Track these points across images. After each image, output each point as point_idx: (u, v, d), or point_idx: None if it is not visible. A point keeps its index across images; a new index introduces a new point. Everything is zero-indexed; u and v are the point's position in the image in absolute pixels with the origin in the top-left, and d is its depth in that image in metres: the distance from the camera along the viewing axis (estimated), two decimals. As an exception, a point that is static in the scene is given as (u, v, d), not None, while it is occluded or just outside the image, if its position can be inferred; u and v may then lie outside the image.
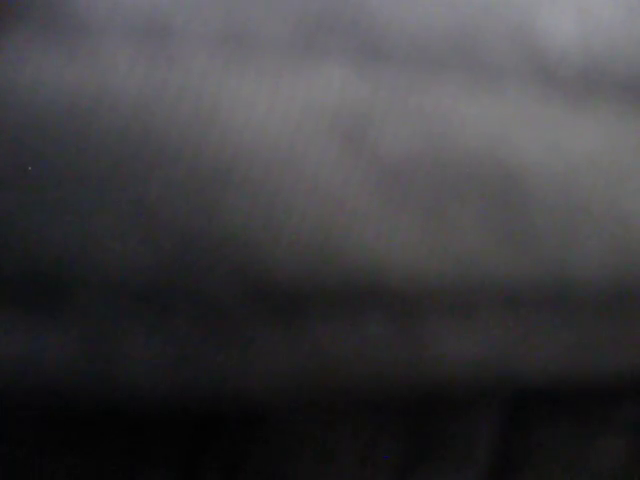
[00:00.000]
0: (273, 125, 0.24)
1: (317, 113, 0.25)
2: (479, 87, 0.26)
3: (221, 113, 0.24)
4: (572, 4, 0.27)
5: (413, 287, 0.26)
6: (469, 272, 0.26)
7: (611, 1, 0.28)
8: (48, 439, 0.29)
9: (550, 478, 0.34)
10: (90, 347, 0.24)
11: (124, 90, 0.24)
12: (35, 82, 0.23)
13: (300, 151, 0.25)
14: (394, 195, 0.25)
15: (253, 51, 0.24)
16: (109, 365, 0.25)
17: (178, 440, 0.30)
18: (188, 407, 0.27)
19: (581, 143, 0.27)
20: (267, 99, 0.24)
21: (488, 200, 0.26)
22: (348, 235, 0.25)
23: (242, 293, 0.25)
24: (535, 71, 0.27)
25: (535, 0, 0.27)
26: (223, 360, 0.25)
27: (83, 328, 0.24)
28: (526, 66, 0.26)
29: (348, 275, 0.25)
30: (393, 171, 0.25)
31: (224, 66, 0.24)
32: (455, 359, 0.27)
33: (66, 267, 0.24)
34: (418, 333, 0.26)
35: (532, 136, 0.26)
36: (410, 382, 0.27)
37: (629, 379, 0.30)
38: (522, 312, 0.27)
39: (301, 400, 0.28)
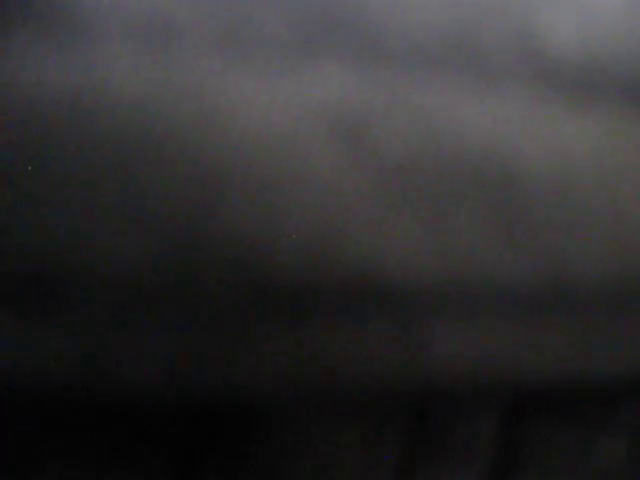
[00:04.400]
0: (273, 124, 0.24)
1: (317, 113, 0.25)
2: (479, 87, 0.26)
3: (221, 113, 0.24)
4: (572, 4, 0.28)
5: (413, 287, 0.26)
6: (469, 272, 0.26)
7: (611, 1, 0.28)
8: (48, 438, 0.29)
9: (550, 478, 0.34)
10: (90, 347, 0.24)
11: (125, 90, 0.24)
12: (36, 82, 0.23)
13: (300, 151, 0.25)
14: (394, 195, 0.25)
15: (253, 51, 0.24)
16: (109, 364, 0.25)
17: (178, 439, 0.30)
18: (188, 406, 0.27)
19: (581, 143, 0.27)
20: (267, 99, 0.24)
21: (488, 200, 0.26)
22: (348, 235, 0.25)
23: (242, 293, 0.25)
24: (535, 71, 0.27)
25: (535, 0, 0.27)
26: (223, 359, 0.25)
27: (82, 328, 0.24)
28: (526, 66, 0.27)
29: (348, 275, 0.25)
30: (393, 171, 0.25)
31: (224, 66, 0.24)
32: (455, 359, 0.27)
33: (66, 267, 0.24)
34: (418, 333, 0.26)
35: (532, 136, 0.26)
36: (410, 382, 0.27)
37: (629, 379, 0.30)
38: (522, 312, 0.27)
39: (301, 399, 0.28)
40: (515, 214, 0.26)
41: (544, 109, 0.27)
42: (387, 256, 0.26)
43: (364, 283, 0.25)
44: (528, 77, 0.27)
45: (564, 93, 0.27)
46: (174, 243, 0.24)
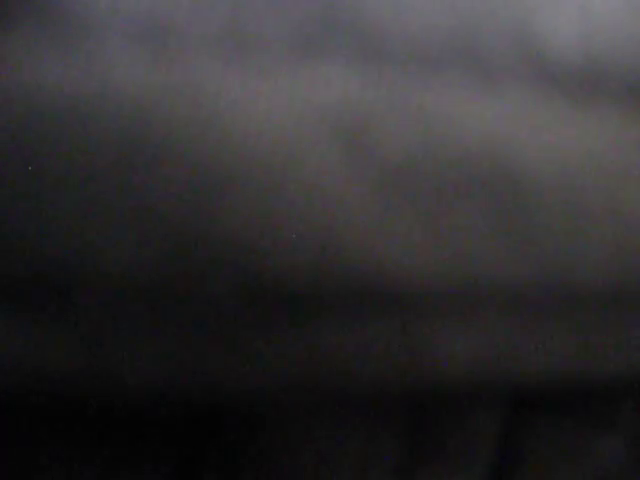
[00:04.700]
0: (273, 125, 0.24)
1: (317, 113, 0.25)
2: (479, 87, 0.26)
3: (221, 113, 0.24)
4: (572, 4, 0.27)
5: (413, 287, 0.26)
6: (469, 272, 0.26)
7: (611, 1, 0.28)
8: (48, 438, 0.29)
9: (550, 478, 0.34)
10: (90, 347, 0.24)
11: (124, 90, 0.24)
12: (35, 82, 0.23)
13: (300, 151, 0.25)
14: (394, 195, 0.25)
15: (253, 51, 0.24)
16: (109, 365, 0.25)
17: (178, 440, 0.30)
18: (188, 407, 0.27)
19: (581, 143, 0.27)
20: (267, 99, 0.24)
21: (488, 200, 0.26)
22: (348, 235, 0.25)
23: (242, 293, 0.25)
24: (535, 71, 0.27)
25: (535, 1, 0.27)
26: (223, 361, 0.25)
27: (83, 328, 0.24)
28: (526, 66, 0.26)
29: (348, 275, 0.25)
30: (393, 171, 0.25)
31: (224, 66, 0.24)
32: (455, 359, 0.27)
33: (66, 267, 0.24)
34: (418, 333, 0.26)
35: (532, 136, 0.26)
36: (410, 382, 0.27)
37: (629, 379, 0.30)
38: (522, 312, 0.27)
39: (301, 400, 0.28)
40: (516, 214, 0.26)
41: (545, 110, 0.27)
42: (388, 257, 0.26)
43: (364, 284, 0.25)
44: (529, 78, 0.27)
45: (565, 94, 0.27)
46: (174, 244, 0.24)
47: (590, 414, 0.34)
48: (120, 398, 0.26)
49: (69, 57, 0.24)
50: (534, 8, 0.27)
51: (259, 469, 0.31)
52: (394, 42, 0.25)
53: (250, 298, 0.25)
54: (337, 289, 0.25)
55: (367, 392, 0.27)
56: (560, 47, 0.27)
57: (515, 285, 0.27)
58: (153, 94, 0.24)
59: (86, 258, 0.24)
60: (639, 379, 0.30)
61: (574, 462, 0.34)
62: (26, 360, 0.24)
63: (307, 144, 0.25)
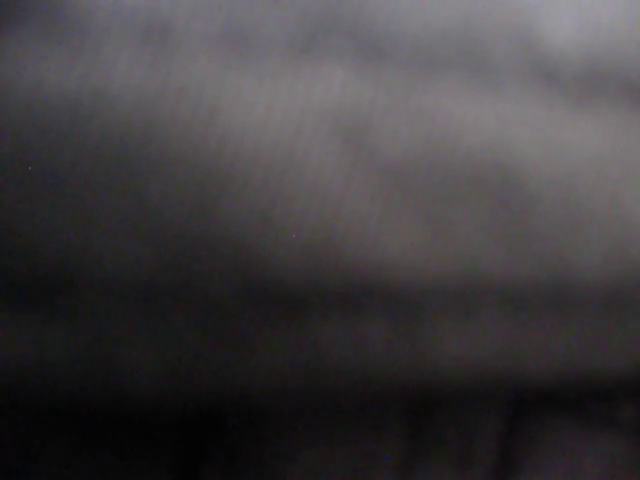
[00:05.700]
0: (273, 125, 0.24)
1: (317, 113, 0.25)
2: (479, 87, 0.26)
3: (221, 113, 0.24)
4: (572, 5, 0.27)
5: (413, 287, 0.26)
6: (469, 272, 0.26)
7: (611, 2, 0.28)
8: (49, 438, 0.29)
9: (550, 478, 0.34)
10: (90, 347, 0.24)
11: (125, 90, 0.24)
12: (36, 82, 0.23)
13: (300, 151, 0.25)
14: (394, 195, 0.25)
15: (253, 51, 0.24)
16: (109, 365, 0.25)
17: (178, 440, 0.30)
18: (188, 407, 0.27)
19: (581, 143, 0.27)
20: (267, 99, 0.24)
21: (488, 200, 0.26)
22: (348, 235, 0.25)
23: (242, 293, 0.25)
24: (535, 71, 0.27)
25: (535, 1, 0.27)
26: (223, 360, 0.25)
27: (83, 328, 0.24)
28: (526, 66, 0.26)
29: (348, 275, 0.25)
30: (393, 171, 0.25)
31: (224, 66, 0.24)
32: (455, 359, 0.27)
33: (67, 267, 0.24)
34: (418, 333, 0.26)
35: (532, 136, 0.26)
36: (410, 382, 0.27)
37: (629, 379, 0.30)
38: (522, 312, 0.27)
39: (301, 400, 0.28)
40: (515, 214, 0.26)
41: (545, 110, 0.27)
42: (388, 256, 0.26)
43: (364, 284, 0.25)
44: (529, 78, 0.27)
45: (565, 94, 0.27)
46: (174, 244, 0.24)
47: (591, 414, 0.34)
48: (120, 398, 0.26)
49: (69, 57, 0.24)
50: (534, 8, 0.27)
51: (259, 469, 0.31)
52: (394, 42, 0.25)
53: (250, 298, 0.25)
54: (337, 289, 0.25)
55: (367, 391, 0.27)
56: (560, 47, 0.27)
57: (516, 285, 0.27)
58: (153, 94, 0.24)
59: (86, 258, 0.24)
60: (639, 379, 0.30)
61: (574, 462, 0.34)
62: (26, 360, 0.24)
63: (307, 144, 0.25)
